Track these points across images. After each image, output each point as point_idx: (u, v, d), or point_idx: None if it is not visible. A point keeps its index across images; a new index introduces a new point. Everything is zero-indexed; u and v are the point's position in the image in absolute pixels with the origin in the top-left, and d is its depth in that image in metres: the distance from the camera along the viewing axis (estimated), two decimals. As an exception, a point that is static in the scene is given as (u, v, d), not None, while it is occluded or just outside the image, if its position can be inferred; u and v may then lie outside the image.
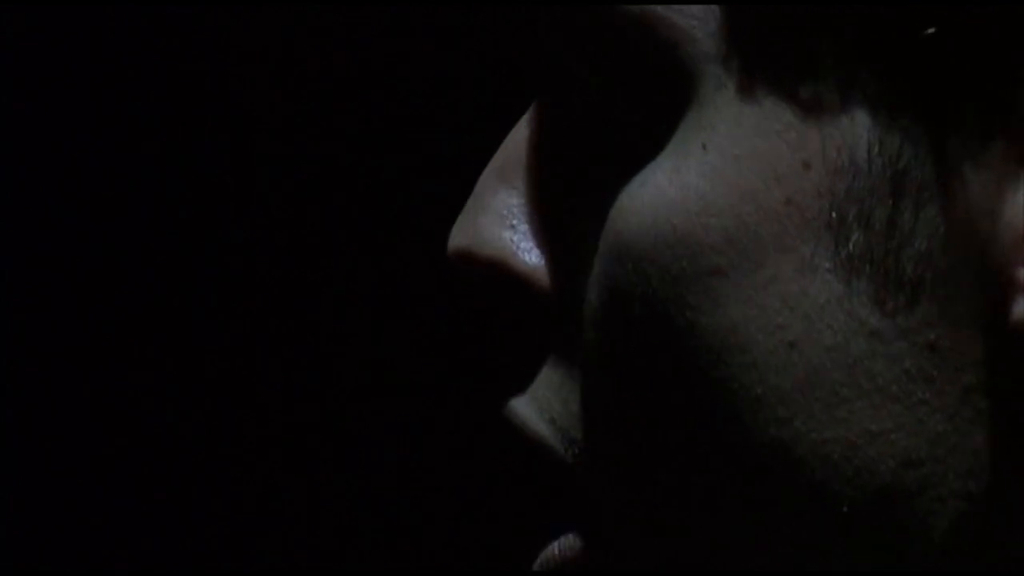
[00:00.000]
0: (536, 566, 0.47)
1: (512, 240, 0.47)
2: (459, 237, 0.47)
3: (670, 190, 0.43)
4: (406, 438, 1.35)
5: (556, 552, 0.47)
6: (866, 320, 0.42)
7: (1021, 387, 0.42)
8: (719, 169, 0.43)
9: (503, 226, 0.47)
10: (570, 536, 0.47)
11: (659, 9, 0.44)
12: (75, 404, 1.39)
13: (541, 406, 0.47)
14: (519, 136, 0.48)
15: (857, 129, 0.42)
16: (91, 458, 1.40)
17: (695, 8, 0.43)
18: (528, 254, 0.47)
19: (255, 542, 1.42)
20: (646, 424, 0.44)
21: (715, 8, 0.43)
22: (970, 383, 0.42)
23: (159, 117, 1.39)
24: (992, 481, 0.42)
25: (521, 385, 0.48)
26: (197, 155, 1.40)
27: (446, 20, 1.35)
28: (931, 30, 0.41)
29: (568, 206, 0.47)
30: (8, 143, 1.36)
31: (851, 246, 0.42)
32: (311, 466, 1.41)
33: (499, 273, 0.47)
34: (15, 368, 1.38)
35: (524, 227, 0.47)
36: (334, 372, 1.42)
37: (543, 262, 0.47)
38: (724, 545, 0.44)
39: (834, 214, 0.42)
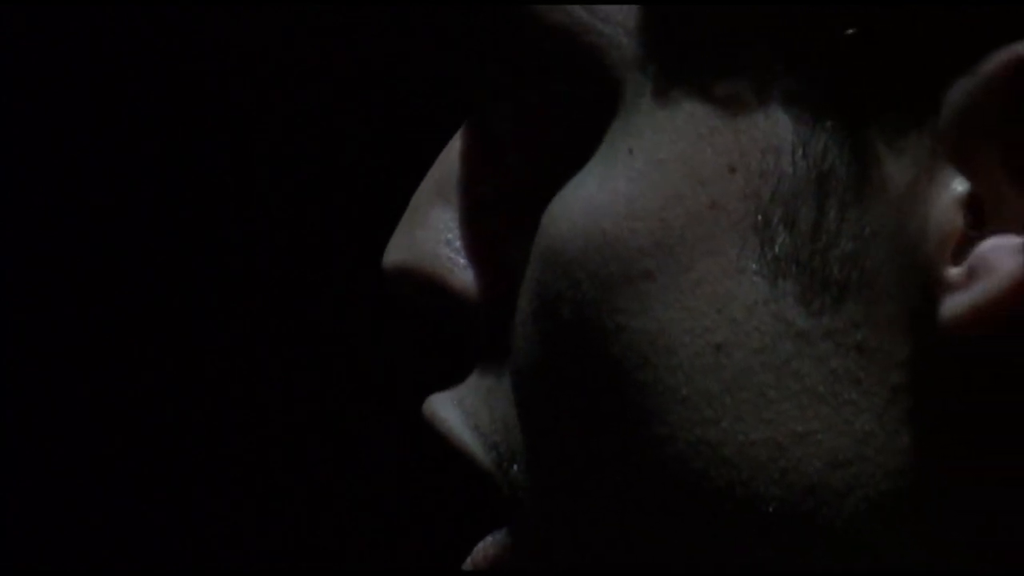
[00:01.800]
0: (466, 566, 0.48)
1: (447, 255, 0.47)
2: (395, 252, 0.48)
3: (599, 195, 0.43)
4: (405, 438, 1.36)
5: (486, 551, 0.47)
6: (793, 321, 0.42)
7: (949, 387, 0.42)
8: (645, 173, 0.43)
9: (438, 241, 0.47)
10: (500, 534, 0.47)
11: (583, 16, 0.44)
12: (75, 404, 1.40)
13: (466, 412, 0.47)
14: (454, 150, 0.48)
15: (781, 132, 0.42)
16: (91, 458, 1.40)
17: (618, 14, 0.44)
18: (463, 269, 0.47)
19: (255, 542, 1.42)
20: (576, 427, 0.45)
21: (636, 12, 0.44)
22: (898, 383, 0.42)
23: (159, 117, 1.40)
24: (922, 480, 0.42)
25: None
26: (197, 155, 1.40)
27: (446, 20, 1.35)
28: (851, 30, 0.40)
29: (503, 218, 0.47)
30: (8, 143, 1.37)
31: (777, 248, 0.42)
32: (311, 466, 1.41)
33: (435, 288, 0.48)
34: (15, 368, 1.38)
35: (458, 242, 0.48)
36: (334, 372, 1.42)
37: (477, 276, 0.47)
38: (652, 544, 0.45)
39: (760, 216, 0.42)
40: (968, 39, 0.40)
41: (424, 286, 0.48)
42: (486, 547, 0.47)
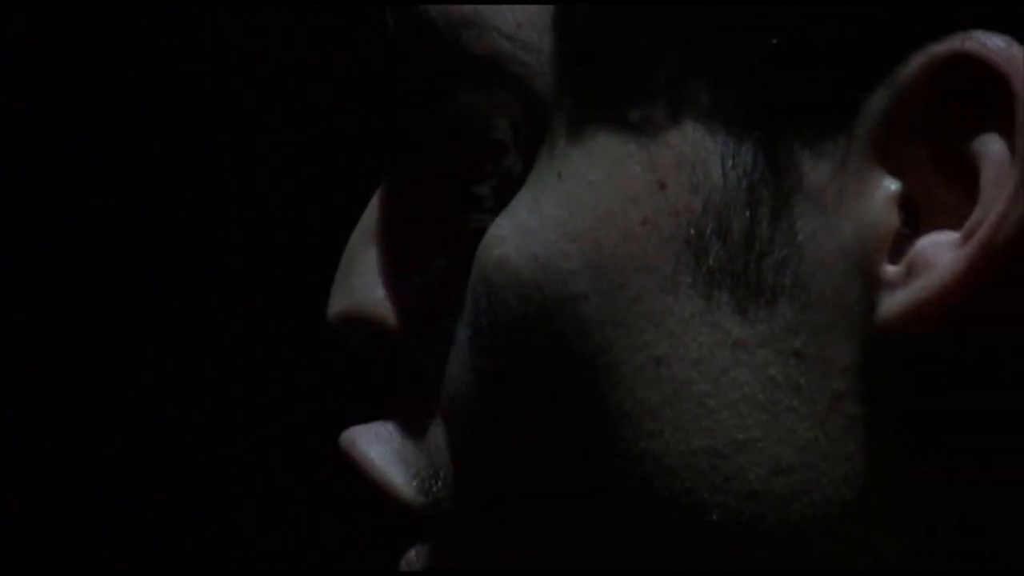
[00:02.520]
0: (403, 566, 0.48)
1: (382, 296, 0.48)
2: (335, 303, 0.49)
3: (530, 221, 0.44)
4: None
5: (412, 564, 0.48)
6: (730, 331, 0.42)
7: (895, 391, 0.42)
8: (575, 195, 0.43)
9: (374, 284, 0.48)
10: (422, 548, 0.47)
11: (505, 46, 0.44)
12: (75, 404, 1.40)
13: (390, 444, 0.48)
14: (383, 196, 0.49)
15: (709, 145, 0.42)
16: (91, 458, 1.41)
17: (541, 42, 0.44)
18: (400, 309, 0.48)
19: (255, 542, 1.42)
20: (517, 448, 0.45)
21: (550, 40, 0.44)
22: (839, 389, 0.42)
23: (159, 117, 1.40)
24: (867, 488, 0.42)
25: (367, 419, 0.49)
26: (197, 155, 1.40)
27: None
28: (769, 41, 0.41)
29: (434, 252, 0.48)
30: (8, 143, 1.37)
31: (711, 260, 0.42)
32: (310, 466, 1.41)
33: (375, 330, 0.48)
34: (15, 368, 1.39)
35: (394, 282, 0.48)
36: (334, 372, 1.42)
37: (412, 312, 0.48)
38: (597, 554, 0.45)
39: (692, 230, 0.42)
40: (884, 43, 0.41)
41: (366, 330, 0.48)
42: (410, 562, 0.48)
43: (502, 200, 0.45)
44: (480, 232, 0.45)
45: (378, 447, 0.48)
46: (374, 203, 0.49)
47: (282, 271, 1.41)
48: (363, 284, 0.48)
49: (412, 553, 0.48)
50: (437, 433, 0.47)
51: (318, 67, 1.39)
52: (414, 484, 0.47)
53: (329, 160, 1.40)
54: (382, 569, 1.51)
